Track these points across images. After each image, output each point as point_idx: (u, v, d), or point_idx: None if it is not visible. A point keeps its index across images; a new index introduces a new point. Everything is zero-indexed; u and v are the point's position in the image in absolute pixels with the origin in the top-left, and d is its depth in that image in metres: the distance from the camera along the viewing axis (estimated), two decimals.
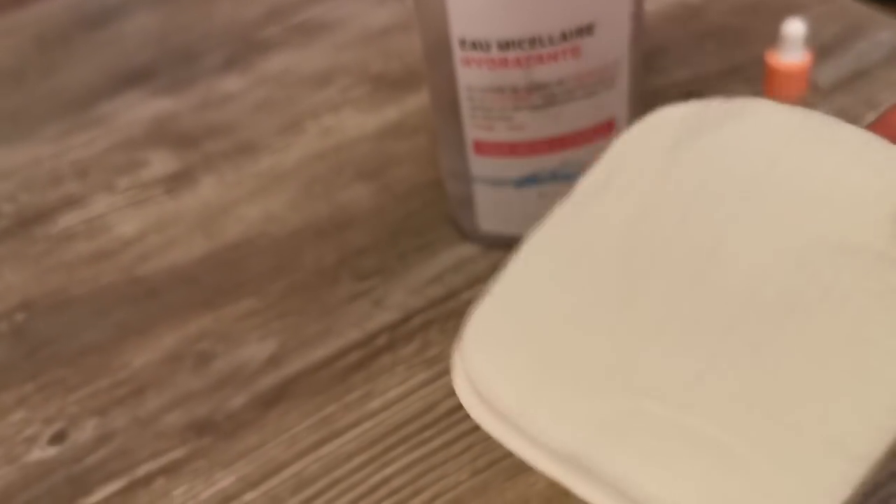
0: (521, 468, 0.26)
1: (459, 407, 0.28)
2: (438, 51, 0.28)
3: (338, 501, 0.26)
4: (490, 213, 0.31)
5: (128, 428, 0.29)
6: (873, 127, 0.20)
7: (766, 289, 0.17)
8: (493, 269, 0.31)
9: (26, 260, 0.35)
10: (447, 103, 0.29)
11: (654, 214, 0.19)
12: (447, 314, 0.30)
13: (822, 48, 0.39)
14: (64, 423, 0.29)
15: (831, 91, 0.37)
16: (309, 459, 0.27)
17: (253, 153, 0.39)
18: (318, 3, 0.48)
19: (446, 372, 0.29)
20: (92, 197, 0.38)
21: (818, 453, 0.15)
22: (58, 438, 0.29)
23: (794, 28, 0.35)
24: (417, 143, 0.38)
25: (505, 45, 0.27)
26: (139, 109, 0.42)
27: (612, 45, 0.28)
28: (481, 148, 0.30)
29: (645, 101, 0.29)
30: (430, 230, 0.34)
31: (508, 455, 0.26)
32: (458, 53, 0.27)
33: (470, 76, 0.28)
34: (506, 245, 0.26)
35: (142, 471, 0.27)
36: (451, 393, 0.28)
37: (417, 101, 0.40)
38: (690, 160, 0.20)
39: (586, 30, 0.27)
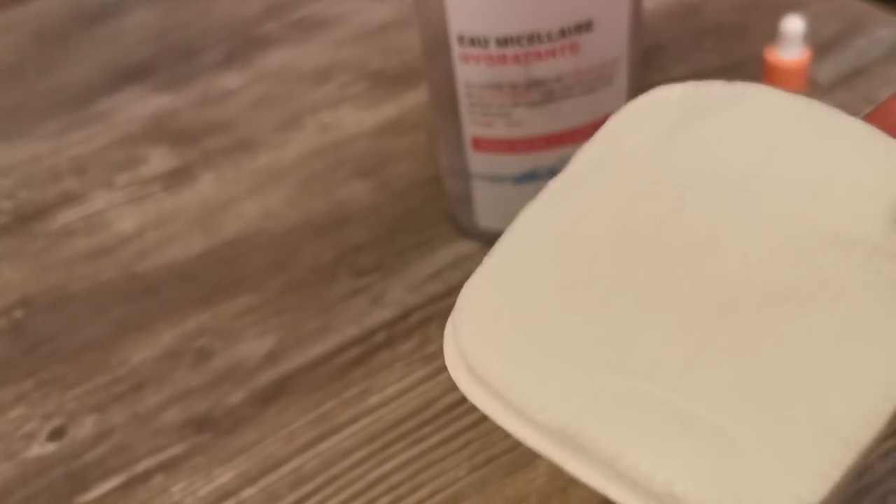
0: (519, 464, 0.26)
1: (458, 403, 0.28)
2: (437, 47, 0.28)
3: (336, 497, 0.26)
4: (489, 209, 0.31)
5: (126, 424, 0.29)
6: (870, 118, 0.20)
7: (761, 277, 0.17)
8: None
9: (25, 256, 0.35)
10: (446, 100, 0.29)
11: (650, 196, 0.19)
12: (446, 311, 0.30)
13: (821, 45, 0.39)
14: (63, 419, 0.29)
15: (831, 88, 0.37)
16: (307, 455, 0.27)
17: (251, 150, 0.39)
18: (316, 0, 0.48)
19: (445, 368, 0.29)
20: (91, 193, 0.38)
21: (809, 437, 0.15)
22: (56, 435, 0.29)
23: (794, 25, 0.35)
24: (416, 139, 0.38)
25: (503, 42, 0.27)
26: (138, 106, 0.42)
27: (611, 42, 0.28)
28: (480, 144, 0.30)
29: None
30: (428, 227, 0.34)
31: (507, 451, 0.26)
32: (457, 50, 0.27)
33: (468, 73, 0.28)
34: None
35: (140, 467, 0.27)
36: (450, 389, 0.28)
37: (416, 97, 0.40)
38: (688, 144, 0.20)
39: (585, 26, 0.27)
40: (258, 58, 0.44)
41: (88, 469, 0.27)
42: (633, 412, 0.16)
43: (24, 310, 0.33)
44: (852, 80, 0.38)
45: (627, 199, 0.19)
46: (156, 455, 0.28)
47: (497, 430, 0.26)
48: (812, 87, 0.37)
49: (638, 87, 0.30)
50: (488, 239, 0.32)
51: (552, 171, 0.30)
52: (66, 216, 0.37)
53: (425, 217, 0.34)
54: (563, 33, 0.27)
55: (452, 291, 0.31)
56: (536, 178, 0.30)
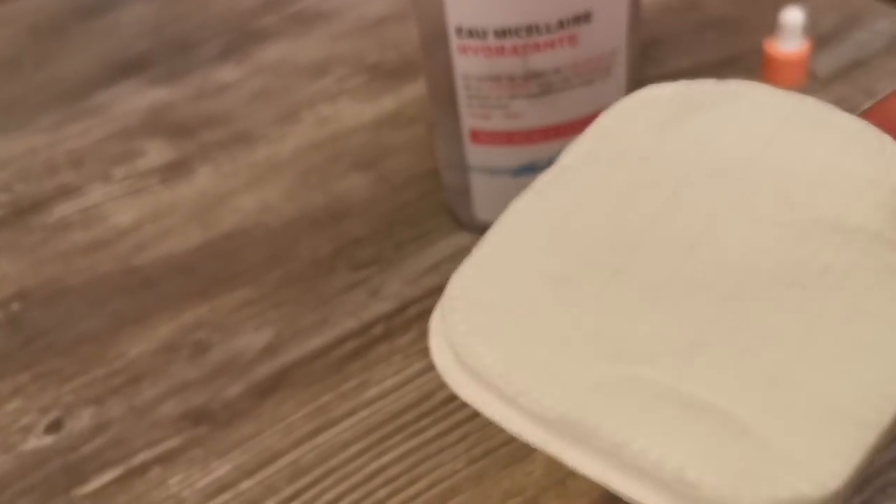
0: (517, 457, 0.26)
1: (456, 396, 0.28)
2: (435, 39, 0.28)
3: (334, 490, 0.26)
4: (487, 202, 0.31)
5: (124, 417, 0.29)
6: (868, 114, 0.20)
7: (763, 263, 0.17)
8: None
9: (22, 250, 0.35)
10: (444, 92, 0.29)
11: (645, 187, 0.19)
12: None
13: (820, 38, 0.39)
14: (60, 412, 0.29)
15: (830, 80, 0.37)
16: (305, 448, 0.27)
17: (249, 143, 0.39)
18: None
19: None
20: (88, 187, 0.38)
21: (825, 419, 0.15)
22: (54, 427, 0.29)
23: (793, 16, 0.35)
24: (414, 132, 0.38)
25: (502, 33, 0.27)
26: (135, 99, 0.42)
27: (610, 33, 0.27)
28: (478, 137, 0.29)
29: None
30: (426, 220, 0.34)
31: (504, 444, 0.26)
32: (455, 41, 0.27)
33: (466, 64, 0.28)
34: None
35: (138, 460, 0.27)
36: None
37: (414, 91, 0.40)
38: (682, 137, 0.19)
39: (583, 18, 0.27)
40: (255, 51, 0.44)
41: (85, 462, 0.27)
42: (636, 399, 0.16)
43: (21, 303, 0.33)
44: (852, 72, 0.37)
45: (622, 190, 0.19)
46: (153, 448, 0.28)
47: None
48: (811, 79, 0.37)
49: (636, 79, 0.30)
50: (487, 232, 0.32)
51: (551, 164, 0.30)
52: (63, 209, 0.37)
53: (423, 210, 0.34)
54: (561, 25, 0.26)
55: None
56: (535, 170, 0.30)
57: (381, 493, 0.25)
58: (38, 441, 0.28)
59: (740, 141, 0.19)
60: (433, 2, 0.27)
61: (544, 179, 0.20)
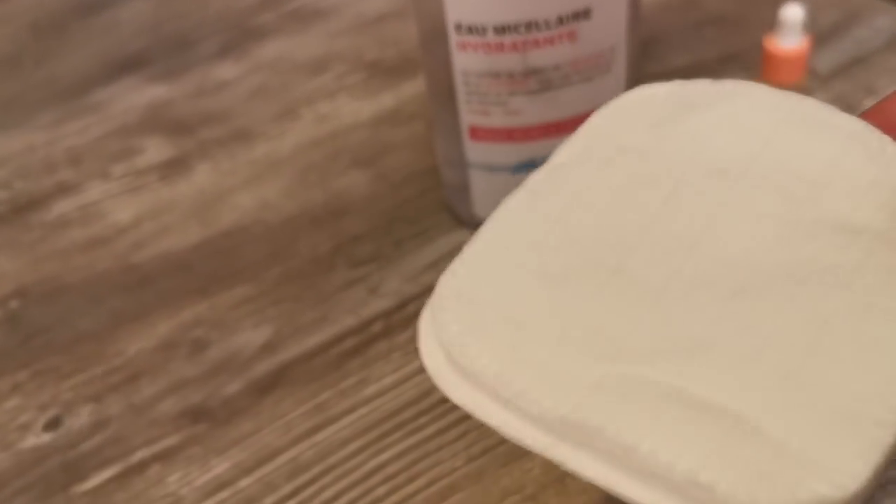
0: (516, 454, 0.26)
1: None
2: (434, 36, 0.28)
3: (333, 487, 0.26)
4: (486, 199, 0.31)
5: (122, 415, 0.29)
6: (868, 114, 0.20)
7: (767, 262, 0.17)
8: None
9: (20, 247, 0.35)
10: (443, 89, 0.29)
11: (642, 186, 0.18)
12: None
13: (820, 34, 0.39)
14: (58, 409, 0.29)
15: (830, 77, 0.37)
16: (304, 446, 0.27)
17: (248, 140, 0.39)
18: None
19: None
20: (86, 184, 0.38)
21: (841, 418, 0.14)
22: (52, 425, 0.29)
23: (793, 13, 0.35)
24: (413, 130, 0.38)
25: (501, 30, 0.26)
26: (134, 96, 0.42)
27: (609, 30, 0.27)
28: (477, 134, 0.29)
29: None
30: (425, 217, 0.34)
31: (503, 442, 0.26)
32: (454, 38, 0.27)
33: (466, 61, 0.27)
34: None
35: (136, 457, 0.27)
36: None
37: (413, 88, 0.40)
38: (679, 136, 0.19)
39: (583, 14, 0.27)
40: (254, 48, 0.44)
41: (84, 459, 0.27)
42: (641, 399, 0.15)
43: (20, 300, 0.33)
44: (851, 69, 0.37)
45: (619, 188, 0.19)
46: (152, 445, 0.27)
47: None
48: (811, 76, 0.37)
49: (636, 76, 0.29)
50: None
51: None
52: (62, 207, 0.37)
53: (423, 207, 0.34)
54: (560, 21, 0.26)
55: None
56: (534, 167, 0.30)
57: (380, 490, 0.25)
58: (36, 439, 0.28)
59: (739, 140, 0.19)
60: None
61: (537, 178, 0.19)
